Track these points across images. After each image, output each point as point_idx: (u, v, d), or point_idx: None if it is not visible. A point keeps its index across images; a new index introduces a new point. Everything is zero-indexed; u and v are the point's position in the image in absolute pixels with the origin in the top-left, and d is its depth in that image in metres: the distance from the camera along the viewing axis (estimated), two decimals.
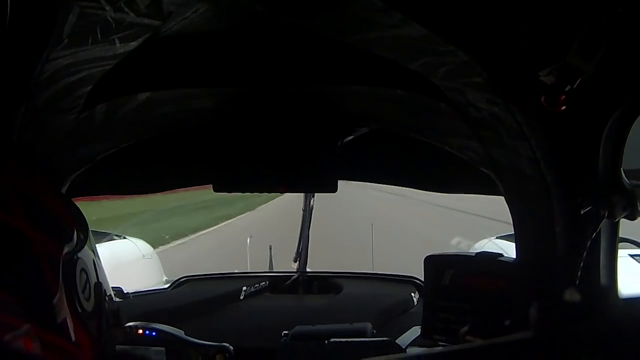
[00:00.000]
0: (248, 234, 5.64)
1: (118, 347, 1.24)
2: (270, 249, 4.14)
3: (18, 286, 0.75)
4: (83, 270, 0.95)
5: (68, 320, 0.83)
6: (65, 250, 0.88)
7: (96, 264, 1.04)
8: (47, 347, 0.76)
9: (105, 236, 4.39)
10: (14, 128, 1.11)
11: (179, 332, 1.64)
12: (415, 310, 2.54)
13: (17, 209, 0.77)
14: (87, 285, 0.95)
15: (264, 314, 2.55)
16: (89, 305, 0.94)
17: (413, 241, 10.04)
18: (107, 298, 1.06)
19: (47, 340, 0.76)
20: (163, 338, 1.59)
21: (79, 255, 0.95)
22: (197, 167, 1.97)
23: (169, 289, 3.03)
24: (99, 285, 1.02)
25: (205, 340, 1.64)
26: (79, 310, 0.91)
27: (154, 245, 6.28)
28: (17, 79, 1.04)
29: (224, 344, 1.62)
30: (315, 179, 1.71)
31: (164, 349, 1.54)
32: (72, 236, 0.92)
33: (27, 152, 0.97)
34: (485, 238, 4.87)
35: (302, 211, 3.36)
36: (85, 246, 0.98)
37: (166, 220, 13.13)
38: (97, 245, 1.11)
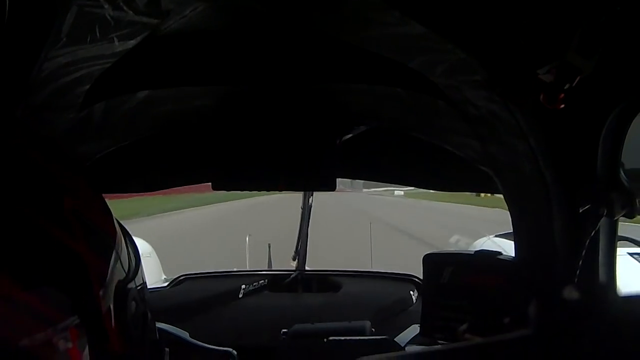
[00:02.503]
0: None
1: None
2: (269, 247, 4.14)
3: (72, 308, 0.74)
4: (134, 299, 0.92)
5: (116, 347, 0.82)
6: (118, 277, 0.86)
7: (144, 291, 1.02)
8: None
9: None
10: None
11: (184, 334, 1.63)
12: (414, 309, 2.54)
13: (78, 232, 0.77)
14: (137, 314, 0.93)
15: (263, 312, 2.55)
16: (136, 333, 0.92)
17: None
18: (152, 326, 1.05)
19: None
20: (167, 339, 1.58)
21: (132, 283, 0.93)
22: (196, 165, 1.97)
23: (167, 287, 3.03)
24: (146, 315, 1.00)
25: (204, 339, 1.64)
26: (127, 339, 0.88)
27: None
28: (15, 77, 1.03)
29: (228, 349, 1.62)
30: (314, 177, 1.70)
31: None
32: (128, 264, 0.91)
33: (85, 173, 0.95)
34: (484, 236, 4.89)
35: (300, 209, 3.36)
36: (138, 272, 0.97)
37: None
38: None
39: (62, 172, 0.82)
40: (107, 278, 0.83)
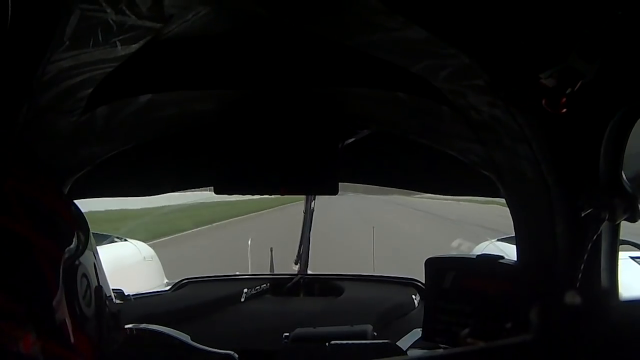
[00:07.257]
0: None
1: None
2: (271, 251, 4.13)
3: (18, 292, 0.75)
4: (84, 275, 0.94)
5: (67, 325, 0.83)
6: (67, 254, 0.87)
7: (97, 267, 1.03)
8: (46, 353, 0.76)
9: (106, 238, 4.39)
10: (15, 129, 1.11)
11: (185, 337, 1.63)
12: (416, 313, 2.53)
13: (20, 213, 0.78)
14: (88, 290, 0.95)
15: (264, 316, 2.54)
16: (89, 310, 0.94)
17: None
18: (107, 301, 1.06)
19: (45, 347, 0.76)
20: (168, 342, 1.58)
21: (81, 259, 0.94)
22: (198, 169, 1.97)
23: (169, 291, 3.03)
24: (100, 289, 1.02)
25: (206, 343, 1.64)
26: (79, 315, 0.90)
27: None
28: (18, 80, 1.04)
29: (229, 351, 1.61)
30: (316, 181, 1.71)
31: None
32: (74, 240, 0.92)
33: (29, 152, 0.97)
34: (486, 240, 4.87)
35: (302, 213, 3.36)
36: (87, 249, 0.98)
37: None
38: (98, 247, 1.10)
39: (3, 155, 0.83)
40: (56, 256, 0.83)
